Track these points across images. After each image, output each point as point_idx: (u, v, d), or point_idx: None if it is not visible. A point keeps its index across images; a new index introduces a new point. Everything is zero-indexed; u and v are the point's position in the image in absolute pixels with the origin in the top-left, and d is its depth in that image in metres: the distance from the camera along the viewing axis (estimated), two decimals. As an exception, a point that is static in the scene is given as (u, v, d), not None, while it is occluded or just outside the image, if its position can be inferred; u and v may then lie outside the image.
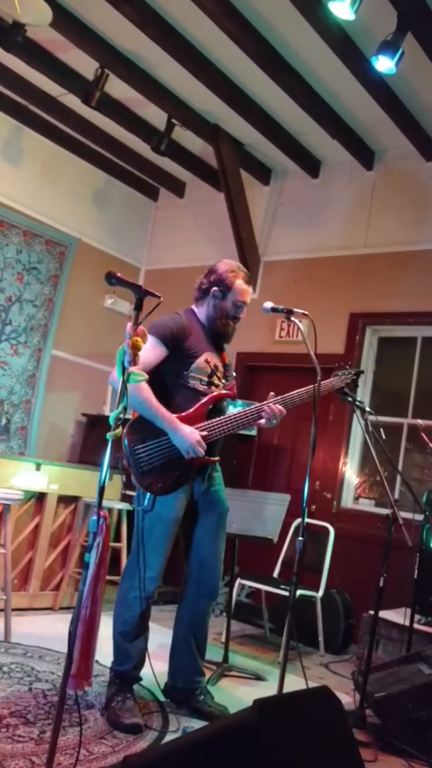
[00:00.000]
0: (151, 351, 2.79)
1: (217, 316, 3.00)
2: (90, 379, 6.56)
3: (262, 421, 2.90)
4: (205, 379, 2.92)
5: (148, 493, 2.84)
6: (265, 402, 2.91)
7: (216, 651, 3.86)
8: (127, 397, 2.17)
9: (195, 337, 2.93)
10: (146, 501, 2.87)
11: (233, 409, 3.00)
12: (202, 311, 3.04)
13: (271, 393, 2.95)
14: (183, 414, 2.83)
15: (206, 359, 2.93)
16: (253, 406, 2.92)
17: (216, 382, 2.96)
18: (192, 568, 3.02)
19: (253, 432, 4.97)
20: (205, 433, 2.81)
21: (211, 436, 2.83)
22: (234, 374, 3.11)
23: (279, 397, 2.92)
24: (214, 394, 2.92)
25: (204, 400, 2.88)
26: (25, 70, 5.38)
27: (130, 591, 2.85)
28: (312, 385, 2.90)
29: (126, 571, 2.94)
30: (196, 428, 2.81)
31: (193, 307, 3.08)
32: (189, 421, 2.81)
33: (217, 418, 2.87)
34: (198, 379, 2.90)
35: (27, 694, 2.84)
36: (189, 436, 2.76)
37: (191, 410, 2.84)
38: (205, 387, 2.91)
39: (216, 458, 2.93)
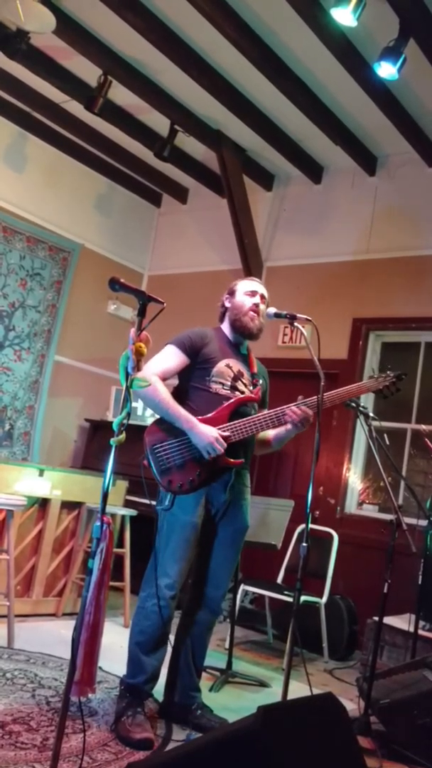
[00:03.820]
0: (171, 358, 2.90)
1: (235, 313, 3.01)
2: (93, 384, 6.57)
3: (289, 426, 2.87)
4: (228, 383, 2.91)
5: (169, 493, 2.82)
6: (290, 405, 2.87)
7: (220, 657, 3.85)
8: (131, 402, 2.17)
9: (215, 345, 2.96)
10: (166, 501, 2.83)
11: None
12: (225, 325, 3.08)
13: (300, 396, 2.90)
14: (205, 417, 2.82)
15: (227, 364, 2.94)
16: (278, 409, 2.87)
17: (241, 387, 2.95)
18: (198, 580, 2.98)
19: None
20: (227, 433, 2.78)
21: (232, 437, 2.80)
22: (261, 381, 3.06)
23: (307, 400, 2.88)
24: (238, 397, 2.90)
25: (226, 403, 2.86)
26: (29, 77, 5.40)
27: (148, 599, 2.80)
28: (345, 387, 2.96)
29: (144, 579, 2.88)
30: (217, 428, 2.78)
31: (220, 326, 3.12)
32: (211, 423, 2.80)
33: (239, 420, 2.83)
34: (220, 383, 2.90)
35: (30, 700, 2.83)
36: (206, 434, 2.73)
37: (213, 413, 2.83)
38: (228, 391, 2.90)
39: (239, 460, 2.86)
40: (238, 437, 2.81)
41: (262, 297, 3.05)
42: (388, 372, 3.12)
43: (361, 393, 3.15)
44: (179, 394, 2.92)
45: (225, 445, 2.76)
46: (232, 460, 2.83)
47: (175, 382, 3.00)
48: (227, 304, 3.07)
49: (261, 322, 3.03)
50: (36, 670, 3.23)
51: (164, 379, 2.87)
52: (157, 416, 2.92)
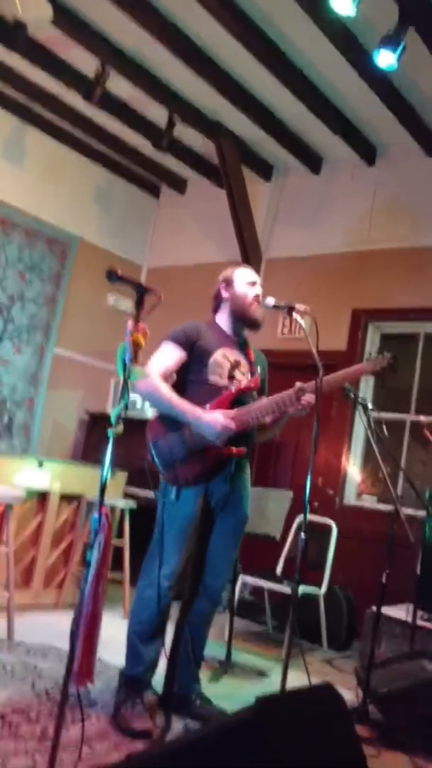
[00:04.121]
0: (170, 355, 2.89)
1: (240, 305, 3.00)
2: (92, 376, 6.57)
3: (290, 409, 2.86)
4: (225, 373, 2.91)
5: (174, 487, 2.82)
6: (292, 390, 2.85)
7: (219, 648, 3.87)
8: (129, 393, 2.16)
9: (210, 337, 2.95)
10: (172, 494, 2.83)
11: None
12: (222, 315, 3.07)
13: (298, 383, 2.89)
14: (206, 408, 2.81)
15: (224, 354, 2.93)
16: (279, 395, 2.86)
17: (239, 377, 2.94)
18: (197, 570, 2.98)
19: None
20: (232, 424, 2.76)
21: (237, 426, 2.78)
22: (260, 370, 3.05)
23: (306, 386, 2.85)
24: (237, 387, 2.90)
25: (226, 393, 2.86)
26: (27, 69, 5.37)
27: (146, 588, 2.82)
28: (342, 370, 2.95)
29: (143, 569, 2.89)
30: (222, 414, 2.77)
31: (214, 317, 3.11)
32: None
33: (240, 408, 2.82)
34: (217, 373, 2.90)
35: (29, 691, 2.84)
36: (214, 422, 2.72)
37: (213, 404, 2.82)
38: (227, 381, 2.90)
39: (241, 449, 2.85)
40: (240, 426, 2.81)
41: (260, 286, 3.09)
42: (384, 353, 3.13)
43: (358, 375, 3.16)
44: (178, 389, 2.91)
45: (234, 427, 2.75)
46: (234, 449, 2.83)
47: (172, 377, 3.00)
48: (225, 294, 3.05)
49: (263, 312, 3.04)
50: (35, 661, 3.24)
51: (165, 377, 2.87)
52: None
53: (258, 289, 3.04)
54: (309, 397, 2.84)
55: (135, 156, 6.51)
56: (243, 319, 3.02)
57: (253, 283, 3.05)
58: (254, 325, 3.04)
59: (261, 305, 3.02)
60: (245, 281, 3.04)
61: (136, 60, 5.12)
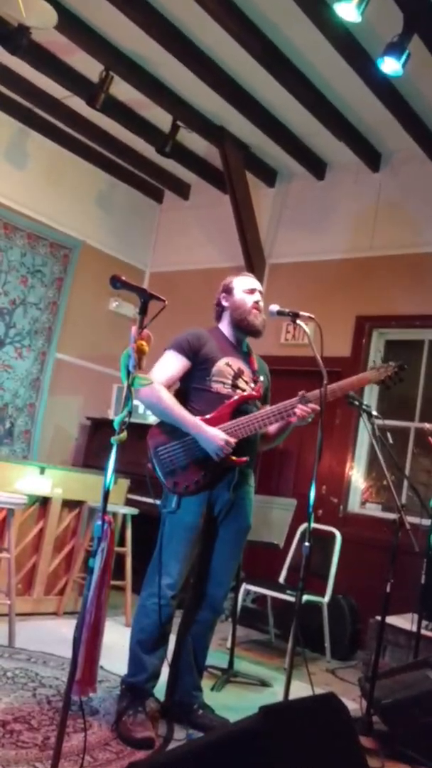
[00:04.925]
0: (172, 363, 2.89)
1: (239, 313, 3.00)
2: (94, 382, 6.56)
3: (294, 419, 2.86)
4: (229, 381, 2.90)
5: (174, 496, 2.81)
6: (296, 399, 2.85)
7: (221, 657, 3.84)
8: (132, 400, 2.15)
9: (213, 345, 2.95)
10: (173, 503, 2.82)
11: None
12: (224, 323, 3.07)
13: (302, 392, 2.89)
14: (207, 417, 2.81)
15: (227, 363, 2.93)
16: (282, 403, 2.85)
17: (242, 385, 2.93)
18: (200, 579, 2.97)
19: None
20: (232, 437, 2.77)
21: (236, 437, 2.78)
22: (263, 378, 3.05)
23: (309, 394, 2.85)
24: (238, 396, 2.89)
25: (227, 402, 2.85)
26: (30, 73, 5.38)
27: (149, 598, 2.81)
28: (347, 379, 2.97)
29: (146, 578, 2.88)
30: (220, 428, 2.78)
31: (217, 325, 3.11)
32: (212, 423, 2.79)
33: (241, 418, 2.82)
34: (221, 382, 2.89)
35: (31, 699, 2.82)
36: (214, 437, 2.73)
37: (215, 412, 2.82)
38: (230, 390, 2.89)
39: (244, 459, 2.85)
40: (242, 435, 2.80)
41: (260, 293, 3.07)
42: (390, 362, 3.12)
43: (362, 384, 3.15)
44: (181, 397, 2.91)
45: (233, 445, 2.76)
46: (236, 458, 2.81)
47: (175, 384, 2.99)
48: (225, 303, 3.06)
49: (263, 318, 3.04)
50: (37, 669, 3.22)
51: (168, 386, 2.87)
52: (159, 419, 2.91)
53: (257, 296, 3.04)
54: (312, 405, 2.83)
55: (138, 160, 6.51)
56: (242, 327, 3.02)
57: (252, 290, 3.04)
58: (254, 332, 3.04)
59: (262, 313, 3.02)
60: (243, 289, 3.04)
61: (140, 64, 5.12)
